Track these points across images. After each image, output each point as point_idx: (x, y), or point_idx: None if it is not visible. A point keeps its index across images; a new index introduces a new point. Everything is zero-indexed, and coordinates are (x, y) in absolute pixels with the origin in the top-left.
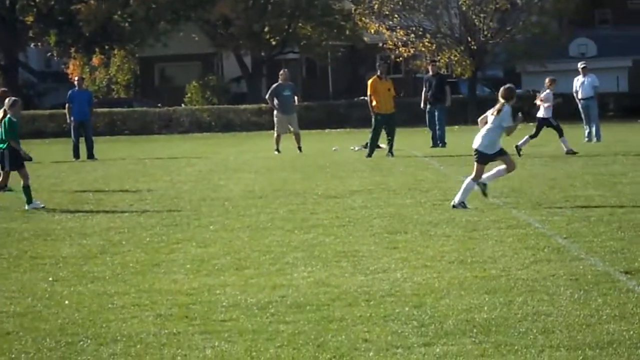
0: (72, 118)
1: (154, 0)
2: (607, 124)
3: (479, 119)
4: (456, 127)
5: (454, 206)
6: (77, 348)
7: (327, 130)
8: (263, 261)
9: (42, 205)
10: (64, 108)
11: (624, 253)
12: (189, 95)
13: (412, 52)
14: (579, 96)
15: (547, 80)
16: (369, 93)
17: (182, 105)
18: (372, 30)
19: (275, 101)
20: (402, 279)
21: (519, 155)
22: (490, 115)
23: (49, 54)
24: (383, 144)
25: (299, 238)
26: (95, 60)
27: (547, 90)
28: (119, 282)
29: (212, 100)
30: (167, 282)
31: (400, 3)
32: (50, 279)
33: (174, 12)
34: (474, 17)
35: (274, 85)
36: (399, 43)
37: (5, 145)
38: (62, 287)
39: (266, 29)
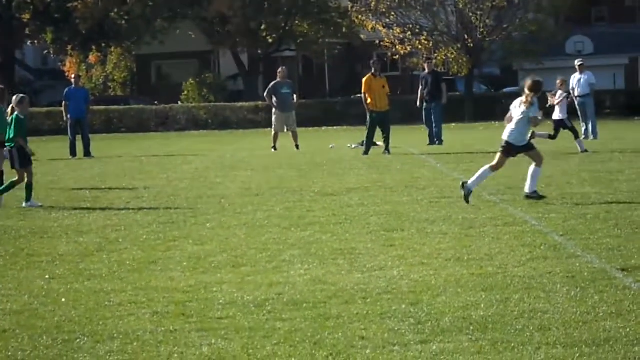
0: (68, 116)
1: None
2: (604, 122)
3: (505, 118)
4: (453, 124)
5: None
6: (74, 346)
7: (323, 128)
8: (260, 259)
9: (40, 205)
10: (61, 106)
11: (620, 250)
12: (185, 92)
13: (408, 49)
14: (576, 94)
15: (558, 81)
16: (363, 91)
17: (179, 102)
18: (369, 28)
19: (274, 99)
20: (398, 276)
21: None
22: (518, 107)
23: (46, 51)
24: (379, 142)
25: (295, 235)
26: (92, 58)
27: (559, 92)
28: (115, 280)
29: (208, 98)
30: (163, 280)
31: (397, 1)
32: (47, 276)
33: (170, 9)
34: (470, 14)
35: (273, 83)
36: (396, 41)
37: (12, 144)
38: (58, 285)
39: (263, 27)
